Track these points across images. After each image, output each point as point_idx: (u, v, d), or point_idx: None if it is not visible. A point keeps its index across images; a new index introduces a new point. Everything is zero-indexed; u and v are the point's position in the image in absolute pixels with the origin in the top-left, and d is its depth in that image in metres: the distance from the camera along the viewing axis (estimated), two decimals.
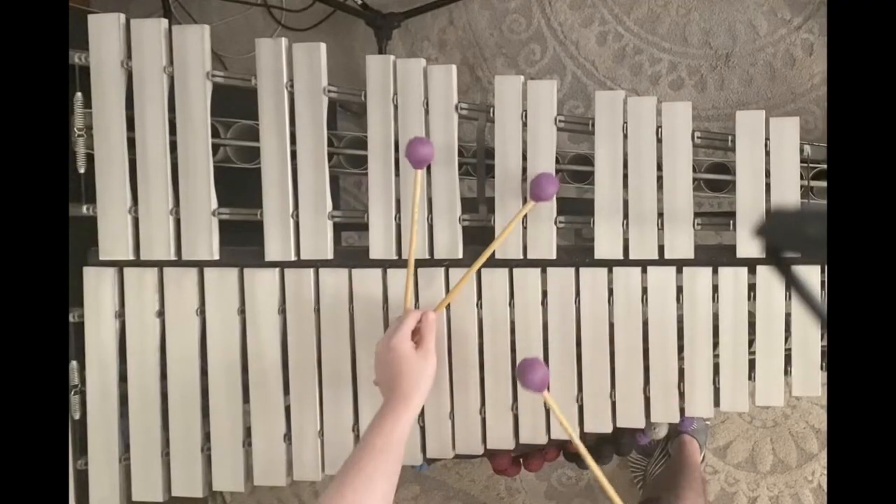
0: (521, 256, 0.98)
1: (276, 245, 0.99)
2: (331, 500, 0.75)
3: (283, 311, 1.00)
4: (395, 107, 0.98)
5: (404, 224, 0.98)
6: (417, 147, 0.92)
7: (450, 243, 0.98)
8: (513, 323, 0.98)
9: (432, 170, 0.98)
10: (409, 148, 0.93)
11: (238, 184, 1.01)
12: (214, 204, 0.99)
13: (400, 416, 0.83)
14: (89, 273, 1.00)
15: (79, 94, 0.99)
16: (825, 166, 0.98)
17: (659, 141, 0.97)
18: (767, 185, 0.96)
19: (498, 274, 0.98)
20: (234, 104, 1.03)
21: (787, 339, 0.97)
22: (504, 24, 1.74)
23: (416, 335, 0.89)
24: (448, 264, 0.98)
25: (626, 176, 0.97)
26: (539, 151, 0.97)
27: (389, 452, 0.80)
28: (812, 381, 0.96)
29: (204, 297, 1.00)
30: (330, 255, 0.99)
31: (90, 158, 0.99)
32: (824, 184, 0.99)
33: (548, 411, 0.98)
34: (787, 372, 0.97)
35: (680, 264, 0.96)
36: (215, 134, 1.02)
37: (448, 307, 0.98)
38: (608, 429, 0.99)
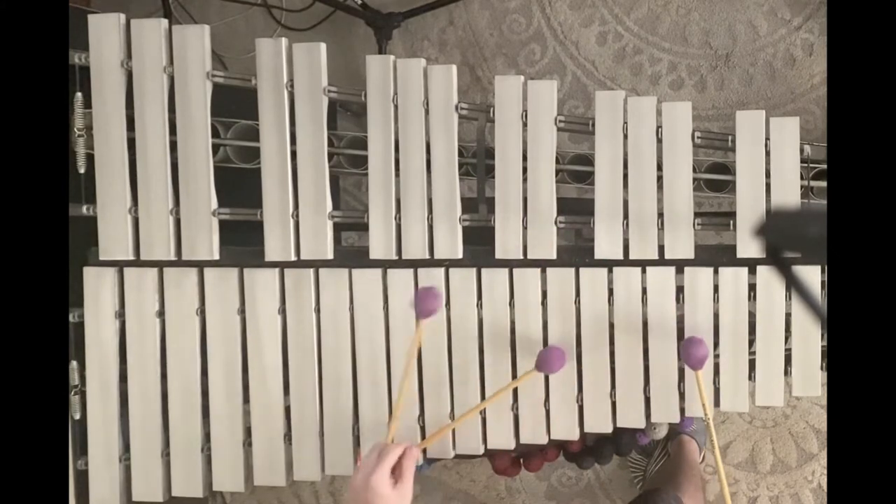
0: (521, 256, 0.98)
1: (276, 245, 0.99)
2: None
3: (283, 311, 0.99)
4: (395, 107, 0.98)
5: (404, 224, 0.98)
6: (427, 300, 0.91)
7: (450, 243, 0.98)
8: (513, 323, 0.98)
9: (432, 169, 0.98)
10: (420, 299, 0.91)
11: (238, 184, 1.01)
12: (214, 204, 0.99)
13: None
14: (89, 273, 1.00)
15: (79, 94, 0.99)
16: (825, 166, 0.98)
17: (659, 141, 0.97)
18: (767, 185, 0.96)
19: (498, 274, 0.98)
20: (234, 104, 1.03)
21: (787, 339, 0.97)
22: (504, 24, 1.74)
23: (396, 469, 0.85)
24: (448, 264, 0.98)
25: (626, 176, 0.97)
26: (539, 151, 0.97)
27: None
28: (812, 381, 0.96)
29: (204, 297, 1.00)
30: (330, 255, 0.99)
31: (90, 158, 0.99)
32: (824, 184, 0.99)
33: (548, 411, 0.98)
34: (787, 372, 0.97)
35: (680, 264, 0.96)
36: (215, 134, 1.02)
37: (448, 307, 0.98)
38: (608, 429, 0.99)
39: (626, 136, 0.97)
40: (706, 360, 0.91)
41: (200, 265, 1.00)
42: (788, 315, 0.97)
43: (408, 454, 0.86)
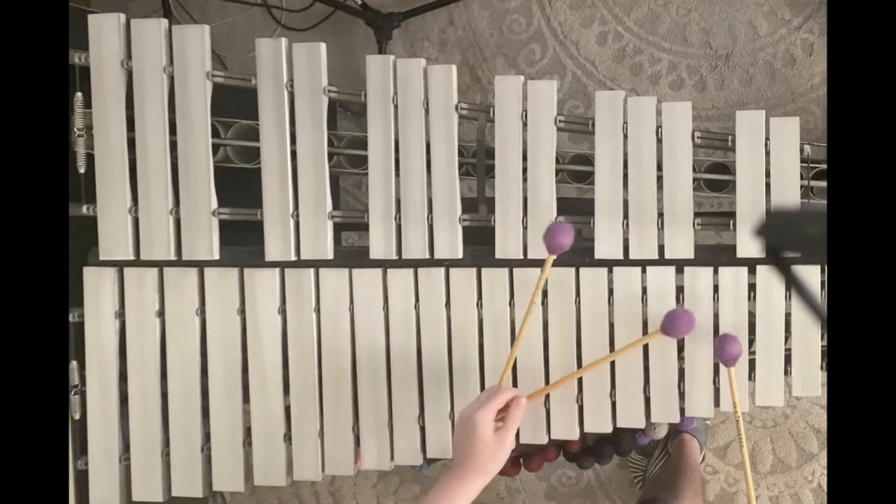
0: (521, 256, 0.98)
1: (276, 245, 0.99)
2: None
3: (283, 311, 1.00)
4: (395, 107, 0.98)
5: (404, 224, 0.98)
6: (558, 235, 0.89)
7: (450, 243, 0.98)
8: (513, 323, 0.98)
9: (432, 170, 0.98)
10: (552, 234, 0.89)
11: (238, 184, 1.01)
12: (214, 204, 0.99)
13: (463, 486, 0.82)
14: (89, 273, 1.00)
15: (79, 94, 0.99)
16: (825, 166, 0.98)
17: (659, 141, 0.97)
18: (767, 185, 0.96)
19: (498, 274, 0.98)
20: (234, 104, 1.03)
21: (787, 339, 0.97)
22: (504, 24, 1.74)
23: (501, 414, 0.86)
24: (448, 264, 0.98)
25: (626, 176, 0.97)
26: (539, 151, 0.97)
27: None
28: (812, 381, 0.96)
29: (204, 297, 1.00)
30: (330, 255, 0.99)
31: (90, 158, 0.99)
32: (824, 184, 0.99)
33: (548, 411, 0.98)
34: (787, 372, 0.97)
35: (680, 264, 0.96)
36: (215, 134, 1.02)
37: (448, 307, 0.98)
38: (608, 429, 0.99)
39: (626, 136, 0.97)
40: (740, 357, 0.92)
41: (200, 265, 1.00)
42: (788, 315, 0.97)
43: (516, 402, 0.86)
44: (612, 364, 0.97)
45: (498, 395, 0.85)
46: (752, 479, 0.92)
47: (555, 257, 0.91)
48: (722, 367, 0.96)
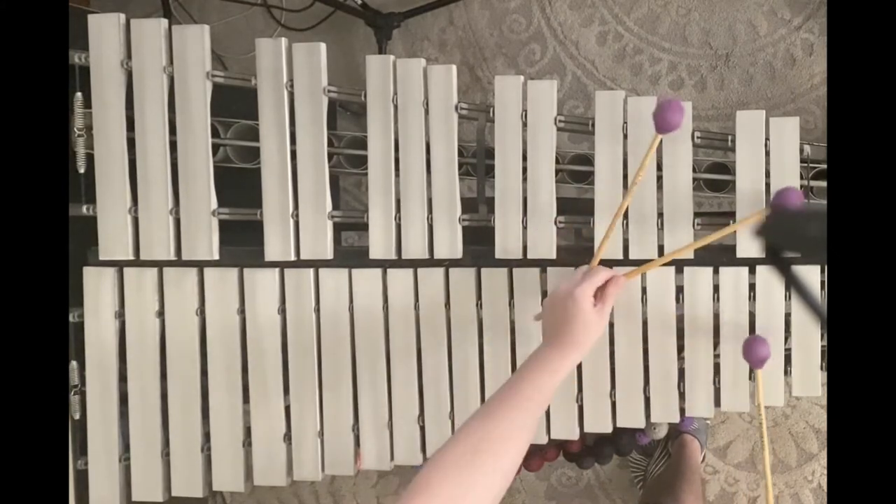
0: (521, 256, 0.98)
1: (276, 245, 0.99)
2: (461, 443, 0.70)
3: (283, 311, 1.00)
4: (395, 107, 0.98)
5: (404, 224, 0.98)
6: (670, 113, 0.85)
7: (450, 243, 0.98)
8: (513, 323, 0.98)
9: (432, 169, 0.98)
10: (664, 112, 0.85)
11: (238, 184, 1.01)
12: (214, 204, 0.99)
13: (562, 362, 0.80)
14: (89, 273, 1.00)
15: (79, 94, 0.99)
16: (825, 166, 0.98)
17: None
18: (767, 185, 0.96)
19: (498, 274, 0.98)
20: (234, 104, 1.03)
21: (787, 339, 0.97)
22: (504, 24, 1.74)
23: (598, 294, 0.86)
24: (448, 264, 0.98)
25: (626, 176, 0.97)
26: (539, 151, 0.97)
27: (540, 394, 0.77)
28: (812, 381, 0.96)
29: (204, 297, 1.00)
30: (330, 255, 0.99)
31: (90, 158, 0.99)
32: (824, 184, 0.99)
33: (548, 411, 0.98)
34: (787, 372, 0.97)
35: (680, 264, 0.96)
36: (215, 134, 1.02)
37: (448, 307, 0.98)
38: (608, 429, 0.99)
39: (626, 136, 0.97)
40: (768, 360, 0.91)
41: (200, 265, 1.00)
42: (788, 315, 0.97)
43: (614, 281, 0.87)
44: (612, 364, 0.97)
45: (597, 273, 0.86)
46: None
47: (661, 137, 0.87)
48: (721, 367, 0.96)
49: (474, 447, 0.70)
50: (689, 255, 0.95)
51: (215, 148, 1.00)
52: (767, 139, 0.96)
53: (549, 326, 0.85)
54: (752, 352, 0.91)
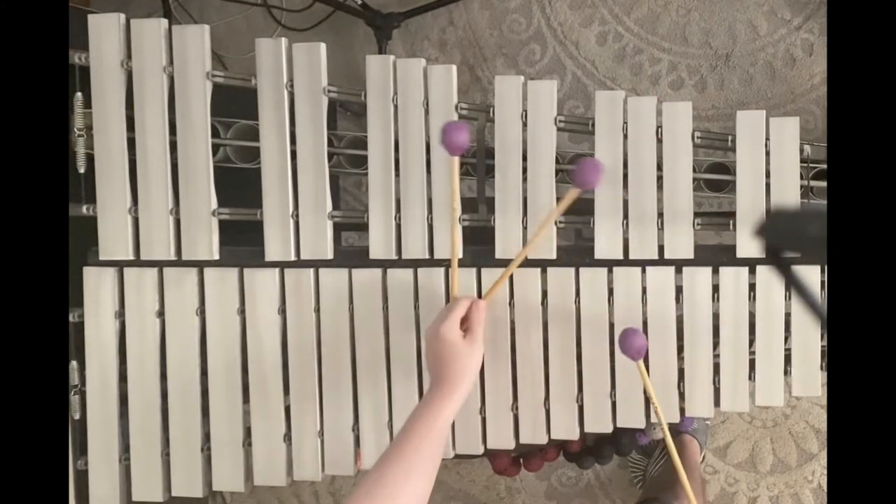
0: None
1: (276, 245, 0.99)
2: (362, 499, 0.73)
3: (283, 311, 1.00)
4: (395, 107, 0.98)
5: (404, 224, 0.98)
6: (454, 133, 0.86)
7: (450, 243, 0.98)
8: (513, 323, 0.98)
9: (432, 169, 0.98)
10: (447, 134, 0.86)
11: (238, 184, 1.01)
12: (214, 204, 0.99)
13: (445, 404, 0.82)
14: (89, 273, 1.00)
15: (79, 94, 0.99)
16: (825, 166, 0.98)
17: (659, 141, 0.97)
18: (767, 185, 0.96)
19: (498, 274, 0.98)
20: (234, 104, 1.03)
21: (787, 339, 0.97)
22: (504, 24, 1.74)
23: (465, 323, 0.88)
24: (448, 264, 0.98)
25: (626, 176, 0.97)
26: (539, 151, 0.97)
27: (430, 442, 0.79)
28: (812, 381, 0.96)
29: (204, 297, 1.00)
30: (330, 255, 0.99)
31: (90, 158, 0.99)
32: (824, 184, 0.99)
33: (548, 411, 0.98)
34: (787, 372, 0.97)
35: (680, 264, 0.96)
36: (215, 134, 1.02)
37: None
38: (608, 429, 0.99)
39: (626, 136, 0.97)
40: (644, 350, 0.88)
41: (200, 265, 1.00)
42: (788, 315, 0.97)
43: (476, 306, 0.89)
44: (612, 364, 0.97)
45: (456, 306, 0.88)
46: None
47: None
48: (721, 367, 0.96)
49: (367, 491, 0.74)
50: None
51: (215, 148, 1.00)
52: (767, 139, 0.96)
53: (430, 368, 0.87)
54: (630, 344, 0.88)
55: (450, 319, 0.86)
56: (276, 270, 0.99)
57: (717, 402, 0.97)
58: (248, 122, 1.03)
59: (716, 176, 1.00)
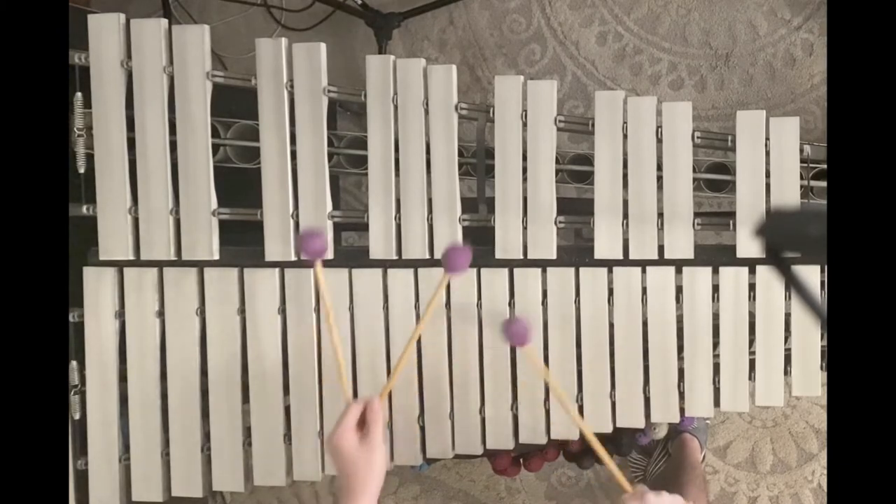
0: (521, 256, 0.98)
1: (276, 245, 0.99)
2: None
3: (282, 311, 0.99)
4: (395, 107, 0.98)
5: (404, 224, 0.98)
6: (309, 241, 0.87)
7: (450, 243, 0.98)
8: None
9: (432, 170, 0.98)
10: (304, 242, 0.87)
11: (238, 184, 1.01)
12: (214, 204, 0.98)
13: None
14: (89, 273, 1.00)
15: (79, 94, 0.99)
16: (825, 166, 0.98)
17: (659, 141, 0.97)
18: (767, 185, 0.96)
19: (498, 274, 0.98)
20: (234, 104, 1.03)
21: (787, 339, 0.97)
22: (504, 24, 1.74)
23: (361, 426, 0.85)
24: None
25: (626, 176, 0.97)
26: (539, 151, 0.97)
27: None
28: (812, 381, 0.96)
29: (204, 297, 1.00)
30: (330, 255, 0.99)
31: (90, 158, 0.99)
32: (824, 184, 0.99)
33: (547, 411, 0.98)
34: (787, 372, 0.97)
35: (680, 264, 0.96)
36: (215, 134, 1.02)
37: (448, 307, 0.98)
38: (608, 429, 0.99)
39: (625, 136, 0.97)
40: (529, 333, 0.84)
41: (200, 265, 1.00)
42: (788, 315, 0.97)
43: (370, 408, 0.85)
44: (612, 364, 0.97)
45: (347, 412, 0.85)
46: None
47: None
48: (721, 367, 0.96)
49: None
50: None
51: (215, 148, 1.00)
52: (767, 139, 0.96)
53: (338, 478, 0.85)
54: (512, 332, 0.85)
55: (342, 427, 0.83)
56: (276, 270, 0.99)
57: (717, 402, 0.97)
58: (247, 122, 1.03)
59: (716, 176, 1.00)
